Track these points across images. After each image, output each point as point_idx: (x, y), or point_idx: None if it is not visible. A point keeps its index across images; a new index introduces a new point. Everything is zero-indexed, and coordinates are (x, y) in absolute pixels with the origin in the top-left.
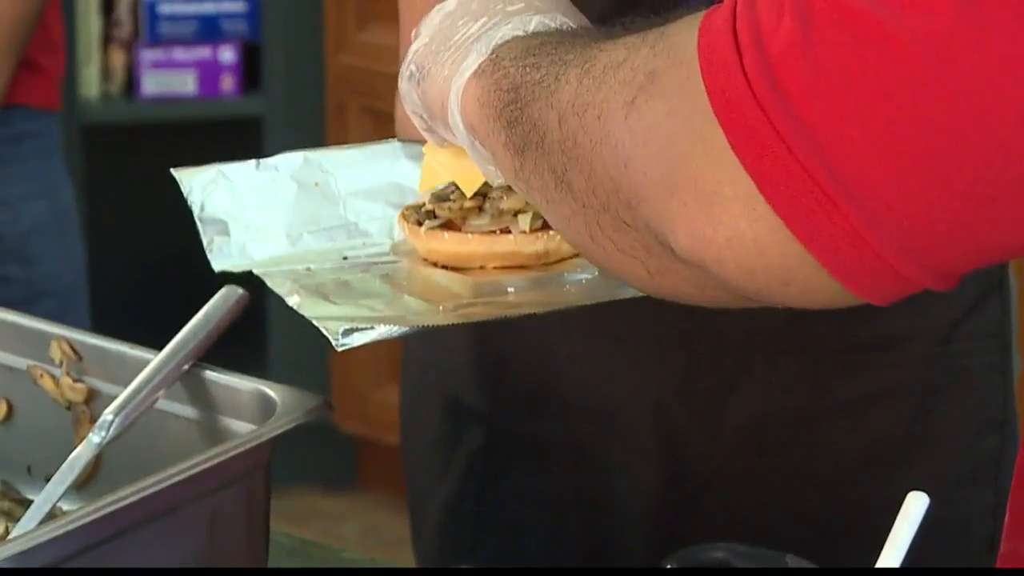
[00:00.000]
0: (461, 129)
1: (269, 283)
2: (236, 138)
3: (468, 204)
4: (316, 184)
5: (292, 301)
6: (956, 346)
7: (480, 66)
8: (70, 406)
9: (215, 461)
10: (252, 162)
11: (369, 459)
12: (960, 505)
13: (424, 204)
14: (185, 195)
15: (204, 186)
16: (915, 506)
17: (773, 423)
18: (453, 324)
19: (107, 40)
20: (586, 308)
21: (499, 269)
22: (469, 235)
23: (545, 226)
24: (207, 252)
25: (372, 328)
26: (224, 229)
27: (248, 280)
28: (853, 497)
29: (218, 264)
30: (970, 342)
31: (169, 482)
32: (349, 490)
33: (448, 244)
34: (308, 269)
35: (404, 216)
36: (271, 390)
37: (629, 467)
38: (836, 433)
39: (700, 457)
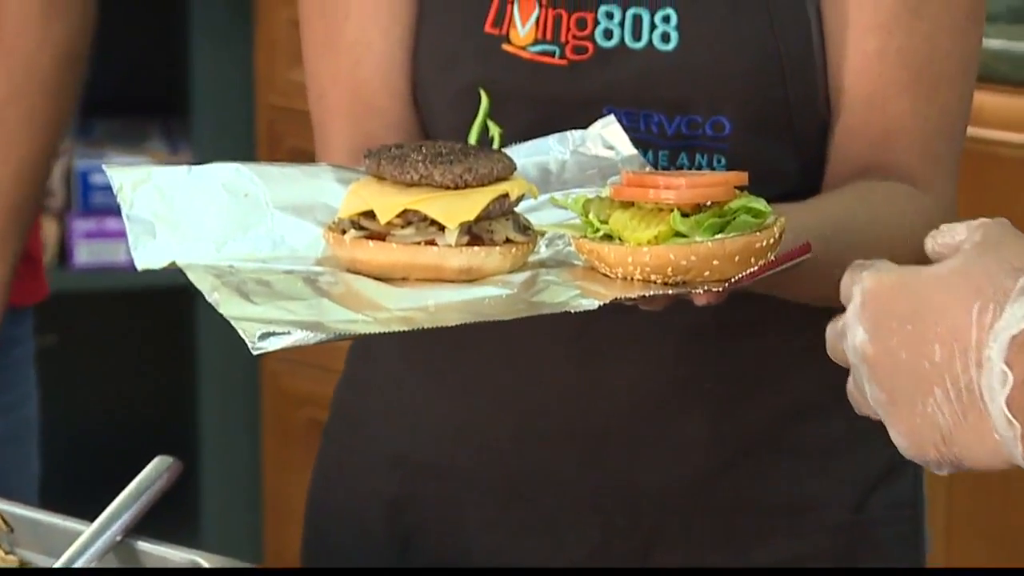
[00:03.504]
0: None
1: (191, 276)
2: (170, 307)
3: (395, 219)
4: (246, 195)
5: (212, 298)
6: (869, 514)
7: None
8: None
9: None
10: (184, 168)
11: None
12: None
13: (350, 219)
14: (115, 192)
15: (135, 185)
16: None
17: None
18: (372, 333)
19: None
20: (498, 467)
21: (422, 282)
22: (393, 245)
23: (471, 242)
24: (132, 251)
25: (288, 333)
26: (151, 230)
27: (181, 448)
28: None
29: (141, 262)
30: (883, 511)
31: None
32: None
33: (372, 252)
34: (231, 266)
35: (330, 228)
36: (203, 559)
37: None
38: None
39: None
